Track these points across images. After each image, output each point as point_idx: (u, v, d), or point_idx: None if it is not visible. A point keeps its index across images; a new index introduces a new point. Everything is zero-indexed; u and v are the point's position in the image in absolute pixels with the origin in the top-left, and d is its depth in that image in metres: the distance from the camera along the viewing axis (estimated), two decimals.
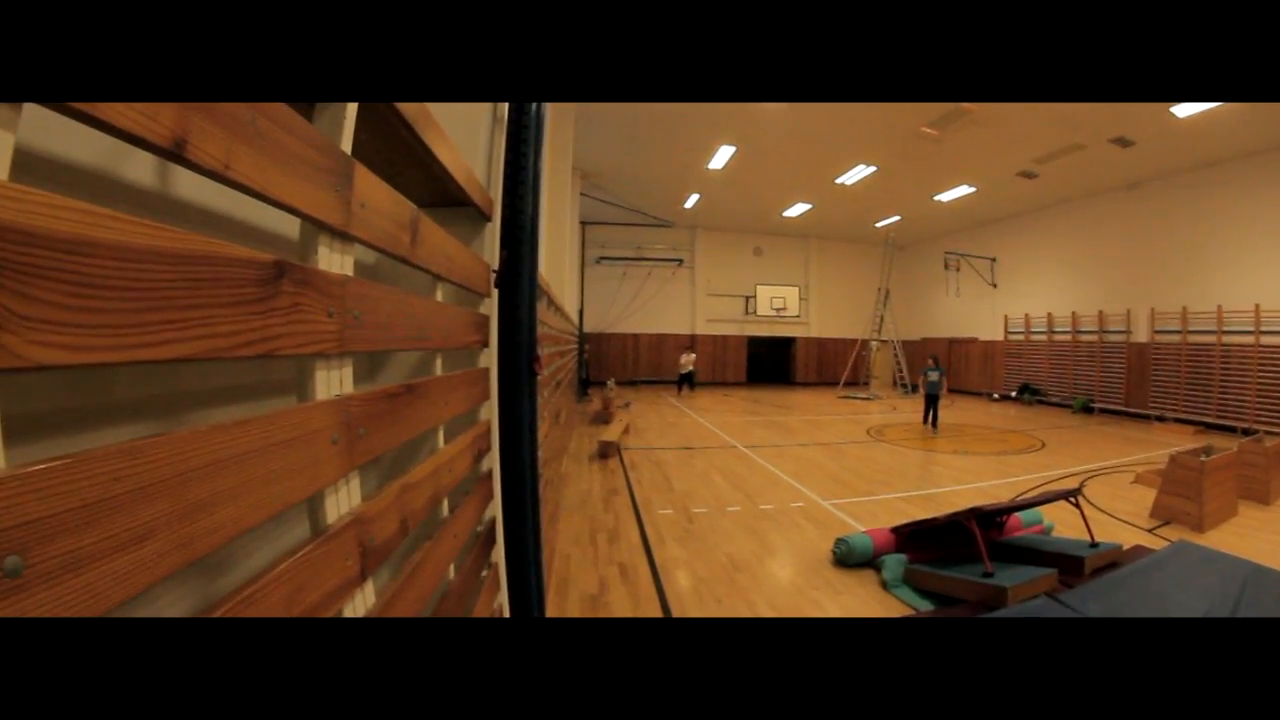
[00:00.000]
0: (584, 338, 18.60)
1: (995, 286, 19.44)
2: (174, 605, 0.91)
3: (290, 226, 0.89)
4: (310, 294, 0.81)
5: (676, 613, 3.77)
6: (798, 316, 23.14)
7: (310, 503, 0.88)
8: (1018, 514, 5.06)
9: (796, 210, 19.15)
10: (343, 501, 0.94)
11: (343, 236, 0.94)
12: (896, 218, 19.53)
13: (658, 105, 10.50)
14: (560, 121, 9.51)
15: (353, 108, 0.99)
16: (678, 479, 7.46)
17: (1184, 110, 10.18)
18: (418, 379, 1.36)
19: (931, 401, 12.29)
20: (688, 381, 19.41)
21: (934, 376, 12.18)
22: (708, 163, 14.62)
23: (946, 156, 13.51)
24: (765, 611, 3.81)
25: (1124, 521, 5.77)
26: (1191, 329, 13.32)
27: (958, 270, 19.69)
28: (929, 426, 12.26)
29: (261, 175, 0.70)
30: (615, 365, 21.15)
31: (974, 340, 20.41)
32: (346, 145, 0.96)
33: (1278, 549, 4.91)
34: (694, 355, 20.08)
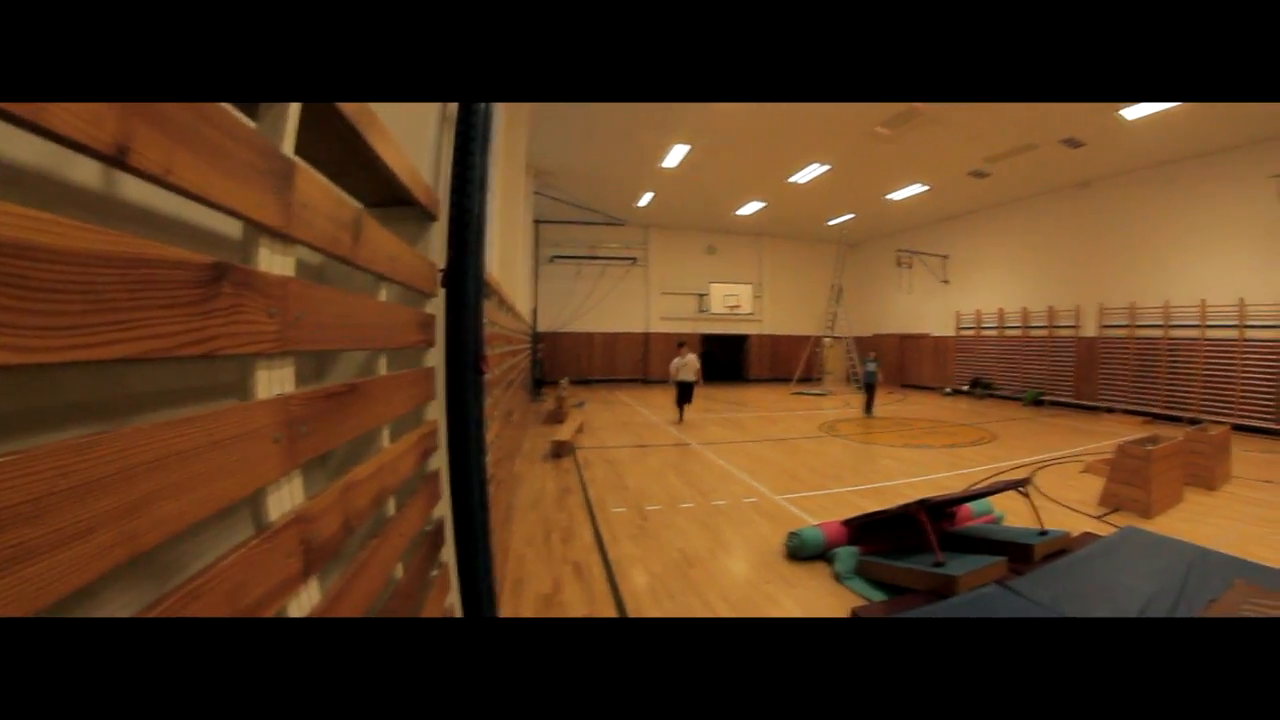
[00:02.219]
0: (537, 337, 18.47)
1: (947, 283, 19.98)
2: (118, 598, 0.92)
3: (235, 226, 0.90)
4: (250, 295, 0.83)
5: (631, 609, 3.80)
6: (751, 314, 23.41)
7: (253, 500, 0.89)
8: (968, 504, 5.15)
9: (750, 209, 19.36)
10: (285, 499, 0.95)
11: (283, 238, 0.95)
12: (850, 216, 19.86)
13: (612, 103, 10.50)
14: (514, 119, 9.44)
15: (295, 108, 1.00)
16: (631, 477, 7.50)
17: (1133, 113, 10.61)
18: (361, 378, 1.37)
19: (870, 390, 13.77)
20: (685, 397, 12.43)
21: (871, 368, 13.72)
22: (661, 161, 14.65)
23: (899, 156, 13.80)
24: (719, 606, 3.88)
25: (1073, 509, 5.98)
26: (1139, 324, 13.94)
27: (910, 267, 20.19)
28: (866, 413, 13.60)
29: (202, 179, 0.72)
30: (569, 364, 21.04)
31: (926, 336, 20.94)
32: (288, 147, 0.98)
33: (1222, 533, 5.17)
34: (690, 358, 12.07)
